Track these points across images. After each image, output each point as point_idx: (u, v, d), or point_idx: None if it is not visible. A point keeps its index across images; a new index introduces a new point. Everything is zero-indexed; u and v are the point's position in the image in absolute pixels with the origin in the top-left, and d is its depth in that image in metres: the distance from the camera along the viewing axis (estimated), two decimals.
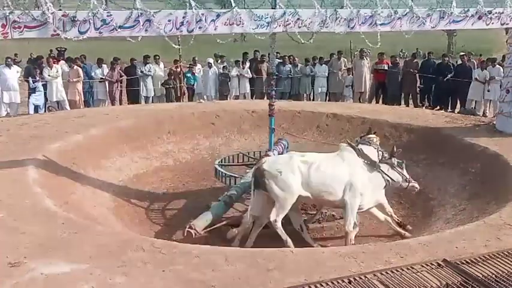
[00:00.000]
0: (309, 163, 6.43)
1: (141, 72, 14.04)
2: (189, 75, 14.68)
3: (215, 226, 6.78)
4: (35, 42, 14.09)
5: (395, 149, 6.94)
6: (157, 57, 14.76)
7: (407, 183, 6.93)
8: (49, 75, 12.87)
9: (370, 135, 7.08)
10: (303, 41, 7.68)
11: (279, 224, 6.35)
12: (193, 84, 14.65)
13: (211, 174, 8.54)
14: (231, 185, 7.65)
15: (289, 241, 6.33)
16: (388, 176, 6.76)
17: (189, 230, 6.45)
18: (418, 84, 14.59)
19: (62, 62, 13.65)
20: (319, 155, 6.75)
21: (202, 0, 10.92)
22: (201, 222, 6.64)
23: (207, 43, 9.18)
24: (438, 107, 14.02)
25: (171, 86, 14.03)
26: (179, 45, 8.23)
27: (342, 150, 6.80)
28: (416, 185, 7.05)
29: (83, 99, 13.36)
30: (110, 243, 5.07)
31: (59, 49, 15.70)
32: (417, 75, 14.49)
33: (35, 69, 13.06)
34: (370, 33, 8.07)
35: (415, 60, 14.85)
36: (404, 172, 6.95)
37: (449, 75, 13.84)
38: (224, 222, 6.97)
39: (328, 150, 9.24)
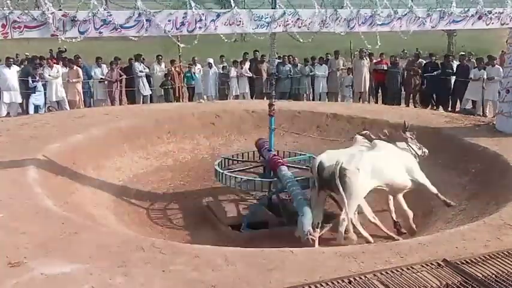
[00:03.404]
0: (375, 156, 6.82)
1: (140, 71, 14.04)
2: (188, 75, 14.68)
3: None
4: (35, 42, 14.09)
5: (406, 124, 7.49)
6: (160, 57, 14.77)
7: (422, 151, 7.43)
8: (49, 75, 12.87)
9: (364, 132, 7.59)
10: (301, 41, 7.68)
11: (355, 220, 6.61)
12: (193, 84, 14.64)
13: (211, 174, 8.54)
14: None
15: (370, 237, 6.67)
16: (413, 150, 7.27)
17: (311, 237, 6.30)
18: (418, 84, 14.56)
19: (58, 65, 13.56)
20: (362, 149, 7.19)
21: (202, 0, 10.94)
22: (309, 226, 6.47)
23: (207, 43, 9.18)
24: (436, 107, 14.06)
25: (169, 87, 14.03)
26: (179, 43, 8.21)
27: (374, 142, 7.29)
28: (426, 150, 7.49)
29: (82, 99, 13.35)
30: (110, 243, 5.07)
31: (60, 50, 15.68)
32: (418, 76, 14.47)
33: (34, 69, 13.05)
34: (369, 33, 8.07)
35: (419, 61, 14.84)
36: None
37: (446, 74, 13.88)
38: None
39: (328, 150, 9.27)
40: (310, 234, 6.28)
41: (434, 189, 7.08)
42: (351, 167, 6.47)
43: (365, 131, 7.66)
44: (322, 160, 6.68)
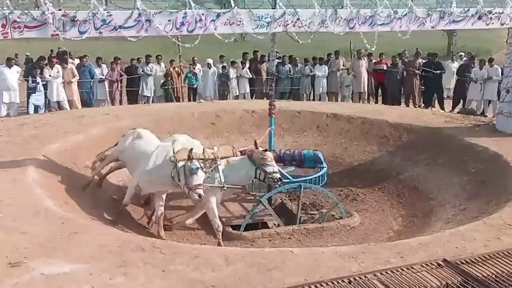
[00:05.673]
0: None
1: (143, 71, 14.03)
2: (189, 75, 14.66)
3: None
4: (35, 42, 14.08)
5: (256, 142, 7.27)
6: (160, 57, 14.76)
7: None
8: (50, 76, 12.87)
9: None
10: (300, 41, 7.67)
11: None
12: (195, 84, 14.62)
13: None
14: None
15: None
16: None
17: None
18: (418, 84, 14.56)
19: (59, 66, 13.53)
20: None
21: (202, 1, 10.94)
22: None
23: (207, 43, 9.17)
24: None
25: (169, 87, 14.02)
26: (179, 42, 8.22)
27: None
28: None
29: (79, 98, 13.32)
30: (110, 243, 5.07)
31: (60, 50, 15.65)
32: (418, 75, 14.46)
33: (35, 69, 13.04)
34: (369, 33, 8.07)
35: (419, 61, 14.85)
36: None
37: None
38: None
39: (329, 150, 9.32)
40: None
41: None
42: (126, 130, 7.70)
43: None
44: None
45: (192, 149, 6.56)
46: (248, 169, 6.91)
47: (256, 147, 7.02)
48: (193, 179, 6.35)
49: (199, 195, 6.35)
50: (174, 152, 6.69)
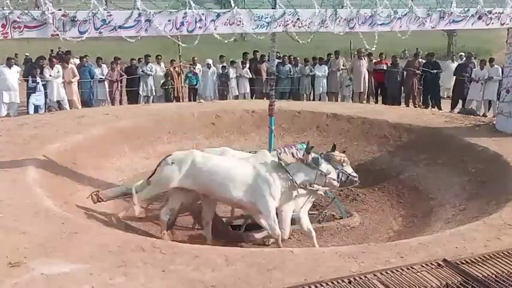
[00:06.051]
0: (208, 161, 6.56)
1: (142, 71, 14.04)
2: (190, 75, 14.66)
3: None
4: (35, 42, 14.08)
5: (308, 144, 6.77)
6: (160, 57, 14.77)
7: (326, 181, 6.69)
8: (50, 75, 12.87)
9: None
10: (300, 41, 7.67)
11: None
12: (195, 84, 14.63)
13: None
14: None
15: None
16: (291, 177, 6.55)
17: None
18: (418, 84, 14.57)
19: (59, 65, 13.54)
20: None
21: (202, 1, 10.94)
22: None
23: (207, 43, 9.17)
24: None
25: (169, 87, 14.02)
26: (179, 42, 8.21)
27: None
28: (335, 184, 6.75)
29: (79, 98, 13.33)
30: (110, 243, 5.06)
31: (61, 50, 15.65)
32: (417, 75, 14.47)
33: (35, 69, 13.05)
34: (369, 33, 8.07)
35: (418, 60, 14.86)
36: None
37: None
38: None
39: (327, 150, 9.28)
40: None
41: (272, 226, 6.35)
42: (168, 158, 6.54)
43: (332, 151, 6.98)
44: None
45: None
46: (309, 172, 6.56)
47: (334, 150, 6.86)
48: (324, 168, 6.41)
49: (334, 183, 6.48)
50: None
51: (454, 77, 14.37)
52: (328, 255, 4.97)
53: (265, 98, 12.31)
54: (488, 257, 4.57)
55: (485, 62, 13.86)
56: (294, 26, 7.38)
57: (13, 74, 12.64)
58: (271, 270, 4.54)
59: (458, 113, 12.39)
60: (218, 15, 6.99)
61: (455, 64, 15.22)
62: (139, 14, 6.54)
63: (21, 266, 4.50)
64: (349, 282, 4.17)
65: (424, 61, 14.88)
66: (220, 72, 14.54)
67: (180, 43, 8.44)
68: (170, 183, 6.53)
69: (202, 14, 6.86)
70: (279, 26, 7.31)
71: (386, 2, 7.87)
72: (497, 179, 7.30)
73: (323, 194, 7.28)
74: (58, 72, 12.98)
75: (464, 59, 15.26)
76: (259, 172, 6.39)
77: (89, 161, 8.27)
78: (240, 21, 7.09)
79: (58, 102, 13.01)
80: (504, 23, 8.83)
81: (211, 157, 6.63)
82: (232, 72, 14.48)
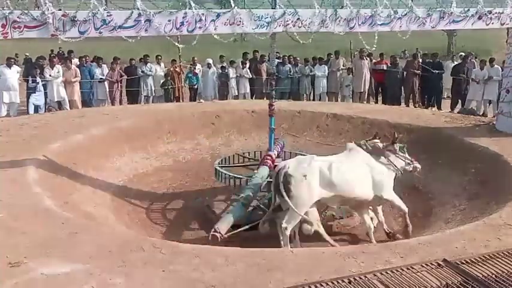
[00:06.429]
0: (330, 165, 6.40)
1: (142, 71, 14.04)
2: (190, 75, 14.66)
3: (239, 230, 6.48)
4: (35, 42, 14.08)
5: (396, 135, 7.36)
6: (160, 57, 14.77)
7: (412, 166, 7.21)
8: (50, 75, 12.88)
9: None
10: (301, 41, 7.67)
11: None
12: (196, 84, 14.63)
13: (212, 174, 8.53)
14: (241, 186, 7.50)
15: (333, 242, 6.56)
16: (394, 165, 6.99)
17: (213, 233, 6.14)
18: (418, 84, 14.56)
19: (59, 65, 13.55)
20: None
21: (202, 1, 10.94)
22: (225, 225, 6.35)
23: (207, 43, 9.19)
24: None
25: (169, 87, 14.02)
26: (179, 43, 8.21)
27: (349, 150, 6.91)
28: (418, 166, 7.29)
29: (80, 99, 13.33)
30: (110, 243, 5.07)
31: (62, 51, 15.65)
32: (418, 75, 14.46)
33: (35, 69, 13.05)
34: (369, 33, 8.07)
35: (417, 60, 14.87)
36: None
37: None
38: (247, 226, 6.60)
39: (329, 150, 9.29)
40: (216, 232, 6.16)
41: (404, 208, 6.94)
42: (296, 173, 6.16)
43: (374, 139, 7.21)
44: (280, 166, 6.49)
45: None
46: (400, 160, 7.12)
47: (394, 143, 7.13)
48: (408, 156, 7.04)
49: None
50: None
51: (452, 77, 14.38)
52: (328, 255, 4.97)
53: (265, 98, 12.30)
54: (488, 257, 4.56)
55: (485, 62, 13.85)
56: (294, 26, 7.38)
57: (13, 74, 12.64)
58: (271, 270, 4.54)
59: (458, 113, 12.39)
60: (218, 15, 6.99)
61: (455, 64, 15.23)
62: (139, 14, 6.54)
63: (21, 266, 4.51)
64: (349, 282, 4.16)
65: (427, 60, 14.89)
66: (220, 72, 14.54)
67: (178, 44, 8.41)
68: (314, 199, 6.30)
69: (202, 14, 6.86)
70: (279, 26, 7.31)
71: (386, 2, 7.87)
72: (497, 179, 7.30)
73: None
74: (58, 72, 12.98)
75: (460, 59, 15.28)
76: (373, 167, 6.72)
77: (89, 161, 8.27)
78: (240, 21, 7.09)
79: (58, 102, 13.01)
80: (504, 23, 8.83)
81: (329, 161, 6.53)
82: (232, 72, 14.47)
